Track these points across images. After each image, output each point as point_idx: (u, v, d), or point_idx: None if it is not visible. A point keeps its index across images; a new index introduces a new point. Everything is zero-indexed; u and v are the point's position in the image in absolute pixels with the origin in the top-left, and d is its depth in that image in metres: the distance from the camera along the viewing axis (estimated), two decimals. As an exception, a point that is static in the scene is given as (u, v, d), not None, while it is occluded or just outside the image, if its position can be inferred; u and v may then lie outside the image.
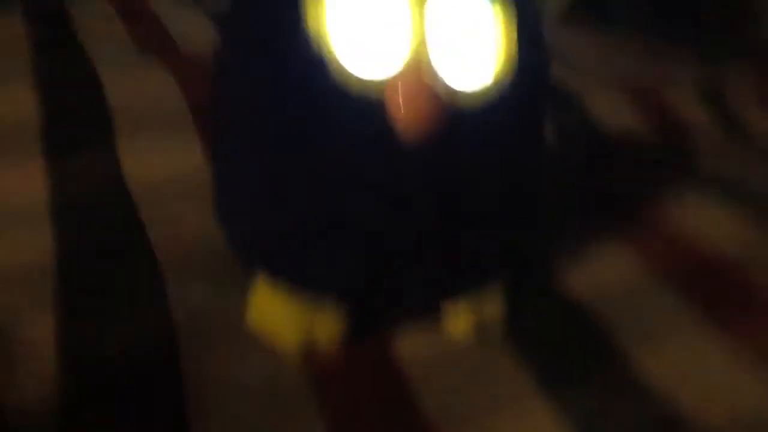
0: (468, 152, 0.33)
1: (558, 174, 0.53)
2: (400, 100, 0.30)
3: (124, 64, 0.64)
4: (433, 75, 0.31)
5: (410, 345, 0.38)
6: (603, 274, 0.45)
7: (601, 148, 0.64)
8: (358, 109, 0.31)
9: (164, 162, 0.49)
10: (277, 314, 0.37)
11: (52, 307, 0.38)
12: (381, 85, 0.31)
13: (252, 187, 0.34)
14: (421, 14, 0.31)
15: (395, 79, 0.31)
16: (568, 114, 0.67)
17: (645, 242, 0.49)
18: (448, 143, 0.32)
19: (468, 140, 0.33)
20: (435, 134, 0.31)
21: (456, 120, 0.32)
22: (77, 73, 0.61)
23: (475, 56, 0.33)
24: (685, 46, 0.98)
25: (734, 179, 0.58)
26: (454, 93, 0.32)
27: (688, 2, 0.91)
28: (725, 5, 0.92)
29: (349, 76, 0.31)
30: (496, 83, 0.33)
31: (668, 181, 0.57)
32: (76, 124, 0.53)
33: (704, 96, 0.75)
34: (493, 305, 0.39)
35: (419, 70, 0.31)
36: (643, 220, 0.52)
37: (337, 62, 0.31)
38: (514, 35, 0.33)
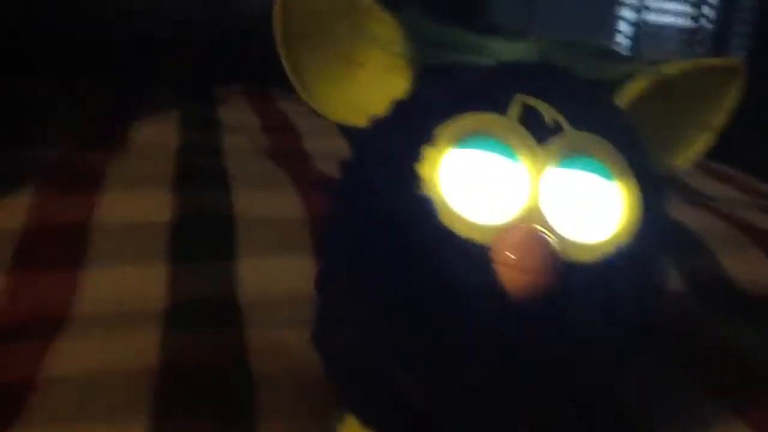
0: (582, 313, 0.30)
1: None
2: (510, 248, 0.29)
3: (256, 175, 0.67)
4: (547, 225, 0.30)
5: None
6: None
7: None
8: (466, 254, 0.30)
9: (278, 280, 0.50)
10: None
11: (147, 413, 0.38)
12: (492, 231, 0.30)
13: (356, 330, 0.32)
14: (538, 179, 0.31)
15: (507, 225, 0.30)
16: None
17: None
18: (561, 301, 0.30)
19: (583, 300, 0.30)
20: (546, 289, 0.29)
21: (571, 277, 0.30)
22: (212, 180, 0.64)
23: (593, 214, 0.32)
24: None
25: None
26: (568, 246, 0.30)
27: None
28: None
29: (460, 218, 0.30)
30: (615, 243, 0.31)
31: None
32: (202, 231, 0.55)
33: None
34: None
35: (532, 219, 0.30)
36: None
37: (447, 205, 0.30)
38: (638, 204, 0.32)
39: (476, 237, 0.29)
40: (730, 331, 0.52)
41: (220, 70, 1.22)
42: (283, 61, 0.35)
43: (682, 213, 0.70)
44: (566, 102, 0.32)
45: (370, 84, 0.35)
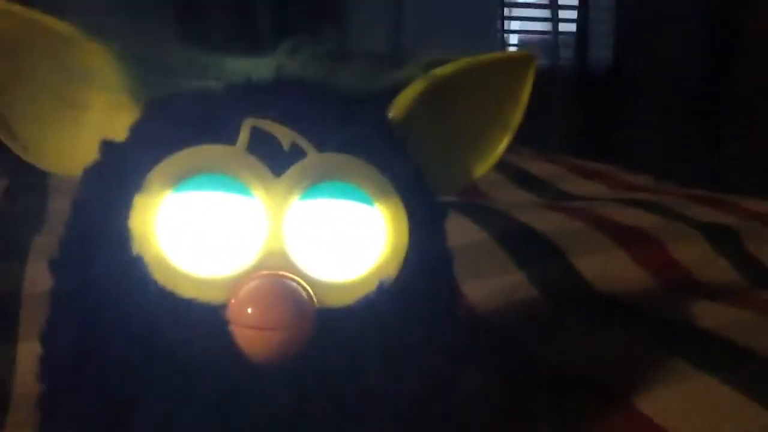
0: (344, 366, 0.25)
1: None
2: (246, 303, 0.24)
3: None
4: (294, 268, 0.25)
5: None
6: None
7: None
8: (192, 318, 0.24)
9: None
10: None
11: None
12: (224, 285, 0.24)
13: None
14: (280, 216, 0.26)
15: (243, 275, 0.24)
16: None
17: None
18: (318, 357, 0.24)
19: (343, 352, 0.25)
20: (294, 347, 0.24)
21: (327, 326, 0.24)
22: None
23: (353, 247, 0.27)
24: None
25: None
26: (321, 289, 0.25)
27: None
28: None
29: (182, 276, 0.24)
30: (378, 278, 0.26)
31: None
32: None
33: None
34: None
35: (275, 265, 0.25)
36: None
37: (166, 262, 0.24)
38: (404, 228, 0.27)
39: (203, 295, 0.24)
40: (581, 333, 0.49)
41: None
42: None
43: (535, 217, 0.67)
44: (309, 122, 0.27)
45: (95, 127, 0.29)
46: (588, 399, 0.40)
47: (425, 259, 0.27)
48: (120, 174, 0.26)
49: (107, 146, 0.28)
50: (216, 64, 0.29)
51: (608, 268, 0.60)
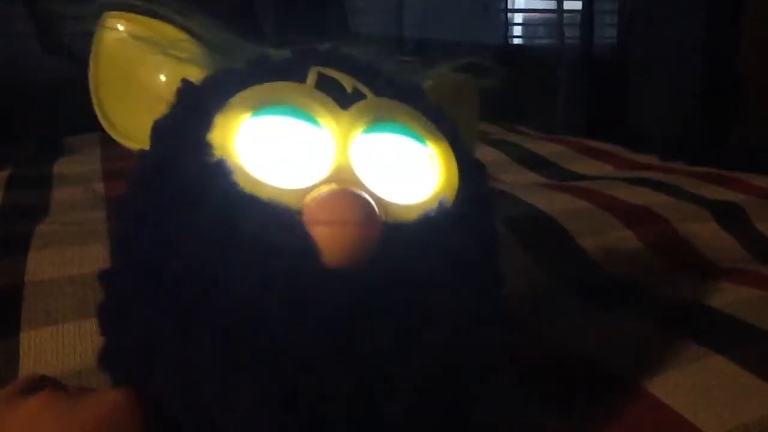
0: (407, 274, 0.26)
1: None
2: (323, 203, 0.25)
3: (68, 232, 0.59)
4: (361, 185, 0.26)
5: None
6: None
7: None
8: (272, 217, 0.25)
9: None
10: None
11: None
12: (299, 194, 0.26)
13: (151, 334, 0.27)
14: (346, 143, 0.28)
15: (315, 187, 0.26)
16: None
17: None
18: (383, 265, 0.25)
19: (410, 259, 0.26)
20: (368, 245, 0.25)
21: (392, 239, 0.26)
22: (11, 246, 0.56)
23: (410, 177, 0.29)
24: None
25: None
26: (386, 205, 0.26)
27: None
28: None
29: (260, 183, 0.26)
30: (435, 201, 0.28)
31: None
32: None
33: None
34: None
35: (344, 180, 0.26)
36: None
37: (245, 171, 0.26)
38: (453, 165, 0.30)
39: (282, 199, 0.25)
40: (588, 314, 0.48)
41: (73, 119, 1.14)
42: (96, 108, 0.35)
43: (541, 198, 0.66)
44: (366, 76, 0.31)
45: None
46: (597, 381, 0.39)
47: (474, 196, 0.29)
48: (202, 102, 0.28)
49: (187, 84, 0.30)
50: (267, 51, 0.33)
51: (615, 248, 0.59)
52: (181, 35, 0.33)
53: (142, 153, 0.30)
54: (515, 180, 0.87)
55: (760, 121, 1.52)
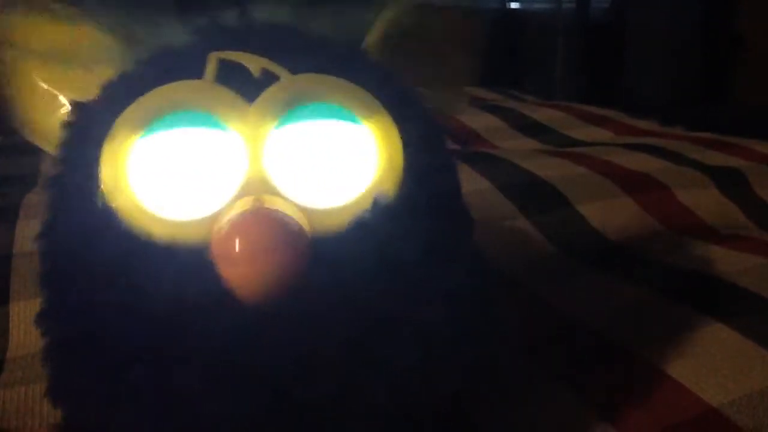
0: (344, 297, 0.22)
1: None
2: (232, 237, 0.21)
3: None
4: (278, 194, 0.23)
5: None
6: None
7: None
8: (174, 263, 0.22)
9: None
10: None
11: None
12: (206, 225, 0.22)
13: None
14: (259, 144, 0.24)
15: (226, 210, 0.22)
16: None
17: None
18: (315, 290, 0.22)
19: (343, 278, 0.22)
20: (290, 278, 0.21)
21: (324, 252, 0.22)
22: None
23: (343, 169, 0.24)
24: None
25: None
26: (313, 215, 0.23)
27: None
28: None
29: (158, 220, 0.23)
30: (373, 197, 0.24)
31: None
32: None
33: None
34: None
35: (257, 192, 0.23)
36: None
37: (141, 208, 0.23)
38: (397, 143, 0.24)
39: (186, 237, 0.22)
40: (589, 282, 0.48)
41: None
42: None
43: (540, 164, 0.65)
44: (280, 50, 0.25)
45: None
46: (597, 351, 0.39)
47: (424, 176, 0.25)
48: (88, 127, 0.25)
49: (78, 106, 0.27)
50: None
51: (615, 214, 0.58)
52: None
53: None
54: (512, 146, 0.86)
55: (759, 81, 1.50)
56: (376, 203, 0.23)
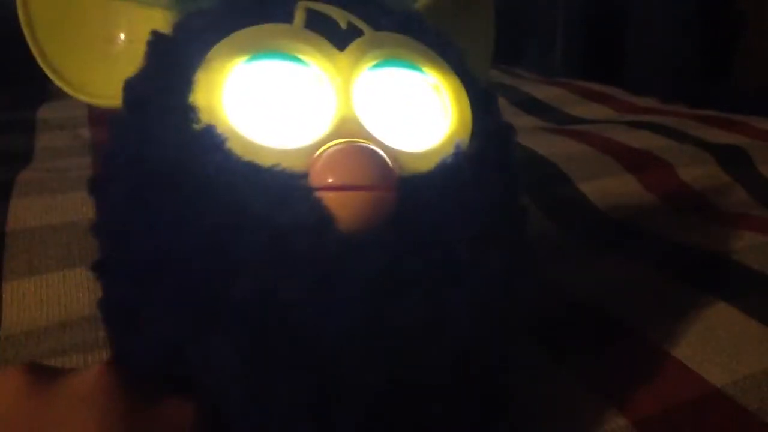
0: (431, 229, 0.23)
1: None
2: (331, 165, 0.22)
3: (50, 179, 0.57)
4: (369, 136, 0.24)
5: None
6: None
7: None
8: (273, 186, 0.22)
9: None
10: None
11: None
12: (302, 154, 0.23)
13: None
14: (347, 87, 0.25)
15: (319, 143, 0.23)
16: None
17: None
18: (405, 226, 0.23)
19: (430, 213, 0.24)
20: (385, 207, 0.22)
21: (411, 195, 0.23)
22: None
23: (421, 117, 0.26)
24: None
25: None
26: (399, 156, 0.24)
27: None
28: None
29: (256, 146, 0.23)
30: (452, 143, 0.25)
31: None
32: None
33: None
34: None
35: (350, 132, 0.24)
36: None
37: (238, 133, 0.23)
38: (466, 99, 0.27)
39: (283, 164, 0.22)
40: (589, 258, 0.47)
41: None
42: (33, 49, 0.31)
43: (541, 142, 0.64)
44: (361, 7, 0.27)
45: (132, 59, 0.27)
46: (600, 330, 0.38)
47: (491, 131, 0.27)
48: (177, 57, 0.25)
49: (158, 37, 0.26)
50: None
51: (616, 192, 0.57)
52: None
53: (115, 120, 0.26)
54: (514, 124, 0.85)
55: (761, 58, 1.49)
56: (456, 149, 0.25)
